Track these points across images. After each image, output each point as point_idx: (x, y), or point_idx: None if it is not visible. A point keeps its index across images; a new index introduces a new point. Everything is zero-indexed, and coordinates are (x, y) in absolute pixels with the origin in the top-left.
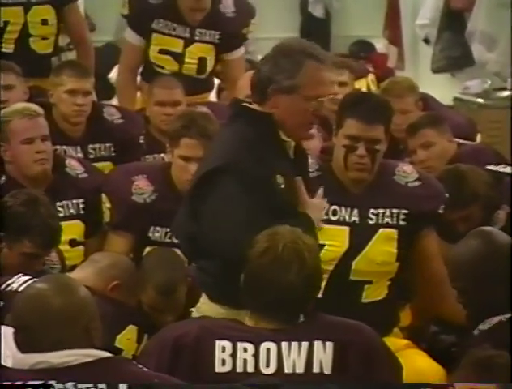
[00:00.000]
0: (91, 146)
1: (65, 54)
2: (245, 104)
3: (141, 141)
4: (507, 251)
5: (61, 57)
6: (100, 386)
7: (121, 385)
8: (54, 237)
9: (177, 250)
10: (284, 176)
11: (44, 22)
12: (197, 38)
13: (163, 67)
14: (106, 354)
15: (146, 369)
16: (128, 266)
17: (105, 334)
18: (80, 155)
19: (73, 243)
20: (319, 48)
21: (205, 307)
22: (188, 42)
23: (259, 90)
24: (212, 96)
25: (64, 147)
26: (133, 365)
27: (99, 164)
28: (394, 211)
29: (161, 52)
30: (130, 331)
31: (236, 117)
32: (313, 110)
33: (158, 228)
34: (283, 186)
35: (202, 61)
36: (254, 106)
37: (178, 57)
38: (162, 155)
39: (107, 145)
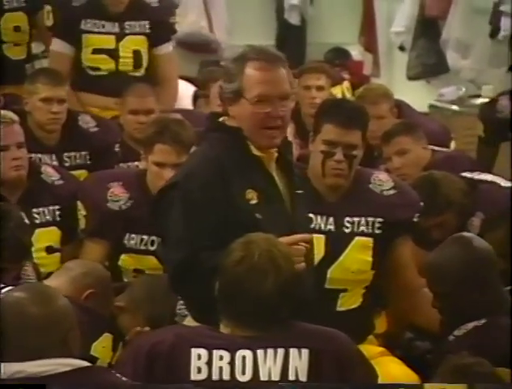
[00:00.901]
0: (66, 154)
1: (39, 62)
2: (221, 118)
3: (116, 149)
4: (486, 258)
5: (36, 64)
6: None
7: None
8: (24, 252)
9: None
10: (259, 191)
11: (17, 28)
12: (127, 31)
13: (98, 68)
14: (85, 363)
15: (124, 379)
16: (102, 274)
17: (81, 342)
18: (55, 163)
19: (49, 250)
20: (270, 49)
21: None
22: (119, 37)
23: (222, 103)
24: (188, 104)
25: (39, 155)
26: (112, 375)
27: (74, 173)
28: (370, 219)
29: (95, 52)
30: (106, 339)
31: (208, 133)
32: (267, 113)
33: (133, 236)
34: (254, 202)
35: (136, 55)
36: (225, 119)
37: (112, 53)
38: (136, 163)
39: (82, 153)
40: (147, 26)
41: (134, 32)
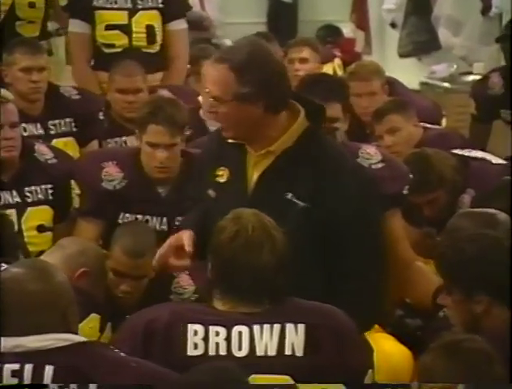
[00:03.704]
0: (51, 122)
1: (54, 39)
2: None
3: (101, 117)
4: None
5: (51, 42)
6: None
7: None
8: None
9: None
10: (230, 171)
11: (32, 5)
12: (140, 6)
13: (113, 45)
14: (83, 338)
15: (122, 354)
16: (97, 253)
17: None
18: (41, 131)
19: (41, 229)
20: (236, 47)
21: None
22: (132, 12)
23: None
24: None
25: (24, 125)
26: (109, 350)
27: (61, 140)
28: None
29: (108, 28)
30: (93, 320)
31: None
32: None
33: (128, 215)
34: (222, 180)
35: (150, 30)
36: None
37: (125, 29)
38: (124, 138)
39: (67, 120)
40: (160, 0)
41: (147, 7)
